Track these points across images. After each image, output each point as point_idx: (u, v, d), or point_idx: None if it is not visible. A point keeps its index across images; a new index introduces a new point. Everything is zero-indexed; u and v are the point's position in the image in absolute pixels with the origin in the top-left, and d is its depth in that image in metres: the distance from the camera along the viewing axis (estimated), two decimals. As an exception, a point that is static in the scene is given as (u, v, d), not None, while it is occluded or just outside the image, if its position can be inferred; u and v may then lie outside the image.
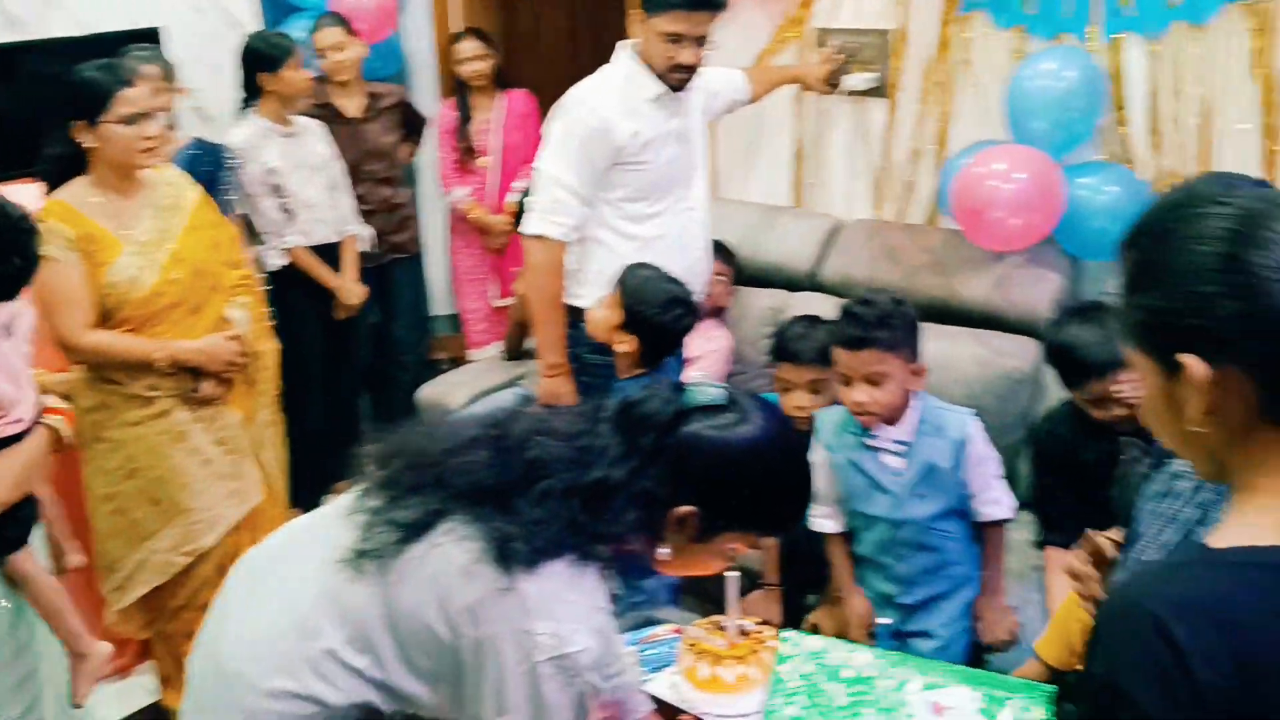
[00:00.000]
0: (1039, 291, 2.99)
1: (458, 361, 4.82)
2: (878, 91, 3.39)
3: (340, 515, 1.47)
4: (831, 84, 3.34)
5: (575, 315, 2.74)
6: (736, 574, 2.00)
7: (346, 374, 4.02)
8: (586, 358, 2.73)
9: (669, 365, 2.65)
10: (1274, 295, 0.88)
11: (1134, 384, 2.23)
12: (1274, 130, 2.74)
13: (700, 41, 2.59)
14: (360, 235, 3.89)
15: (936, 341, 3.03)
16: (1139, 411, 2.25)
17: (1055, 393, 2.84)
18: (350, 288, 3.80)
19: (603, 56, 5.13)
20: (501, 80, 4.33)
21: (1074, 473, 2.36)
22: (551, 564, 1.36)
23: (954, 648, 2.30)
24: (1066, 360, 2.29)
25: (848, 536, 2.39)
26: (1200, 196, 0.95)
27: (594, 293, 2.74)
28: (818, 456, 2.35)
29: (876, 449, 2.27)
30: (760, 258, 3.49)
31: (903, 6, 3.28)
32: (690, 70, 2.63)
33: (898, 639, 2.35)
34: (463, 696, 1.40)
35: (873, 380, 2.20)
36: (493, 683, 1.36)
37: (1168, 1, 2.83)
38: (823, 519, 2.39)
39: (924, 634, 2.32)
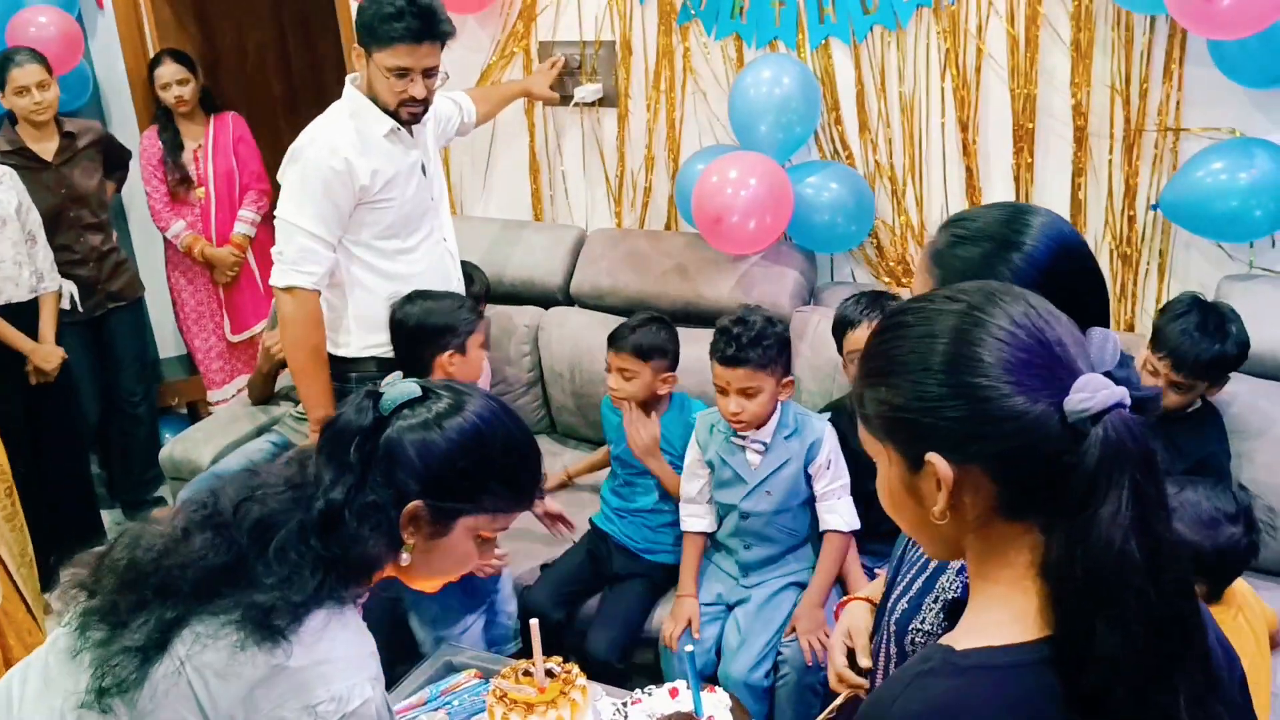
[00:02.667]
0: (780, 287, 3.15)
1: (194, 406, 4.54)
2: (607, 101, 3.44)
3: (64, 657, 1.35)
4: (562, 95, 3.37)
5: (341, 366, 2.64)
6: (536, 620, 2.01)
7: (64, 443, 3.67)
8: None
9: None
10: (996, 397, 0.88)
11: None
12: (967, 123, 3.00)
13: (429, 74, 2.53)
14: (60, 291, 3.56)
15: (689, 346, 3.16)
16: None
17: (809, 387, 3.02)
18: (45, 351, 3.47)
19: (317, 74, 4.94)
20: (208, 104, 4.09)
21: (847, 460, 2.57)
22: (310, 621, 1.31)
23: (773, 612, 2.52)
24: (837, 324, 2.63)
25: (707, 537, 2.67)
26: (938, 293, 0.98)
27: (356, 339, 2.65)
28: (691, 454, 2.62)
29: (742, 446, 2.52)
30: (510, 274, 3.48)
31: (622, 18, 3.33)
32: (422, 104, 2.57)
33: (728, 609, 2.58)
34: None
35: (746, 393, 2.42)
36: None
37: (865, 8, 3.03)
38: (691, 518, 2.64)
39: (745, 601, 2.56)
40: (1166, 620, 0.86)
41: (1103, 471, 0.86)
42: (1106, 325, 1.30)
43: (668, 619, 2.59)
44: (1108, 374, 1.27)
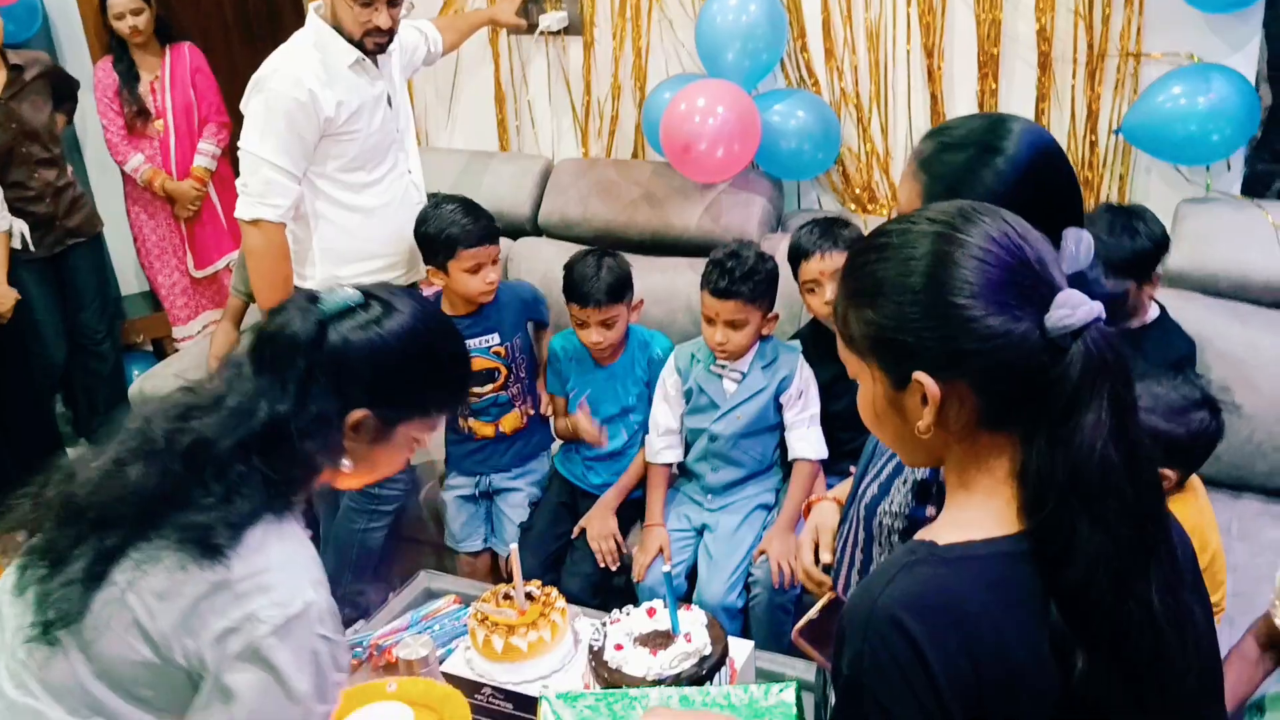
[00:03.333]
0: (748, 214, 3.17)
1: (159, 343, 4.51)
2: (572, 29, 3.41)
3: (10, 595, 1.37)
4: (528, 29, 3.34)
5: (306, 298, 2.63)
6: (515, 545, 2.05)
7: (23, 383, 3.64)
8: None
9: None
10: (980, 317, 0.92)
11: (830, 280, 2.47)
12: (932, 50, 3.01)
13: (393, 2, 2.50)
14: (11, 230, 3.50)
15: (660, 274, 3.18)
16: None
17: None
18: None
19: (272, 7, 4.82)
20: (164, 34, 4.00)
21: None
22: (249, 536, 1.31)
23: (743, 535, 2.59)
24: (791, 252, 2.60)
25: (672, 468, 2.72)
26: (919, 214, 1.00)
27: (322, 271, 2.64)
28: (670, 383, 2.65)
29: (720, 374, 2.59)
30: (478, 207, 3.46)
31: (586, -56, 3.30)
32: (387, 34, 2.54)
33: (698, 533, 2.65)
34: (195, 710, 1.33)
35: (733, 324, 2.48)
36: (216, 685, 1.30)
37: (830, -68, 3.01)
38: (664, 449, 2.68)
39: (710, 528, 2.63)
40: (1142, 516, 0.92)
41: (1085, 383, 0.91)
42: (1080, 226, 1.37)
43: (638, 550, 2.63)
44: (1080, 274, 1.34)
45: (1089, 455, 0.90)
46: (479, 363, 2.76)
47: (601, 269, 2.64)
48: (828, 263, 2.51)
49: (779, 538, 2.53)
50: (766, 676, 2.04)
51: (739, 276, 2.47)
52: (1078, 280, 1.39)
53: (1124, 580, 0.91)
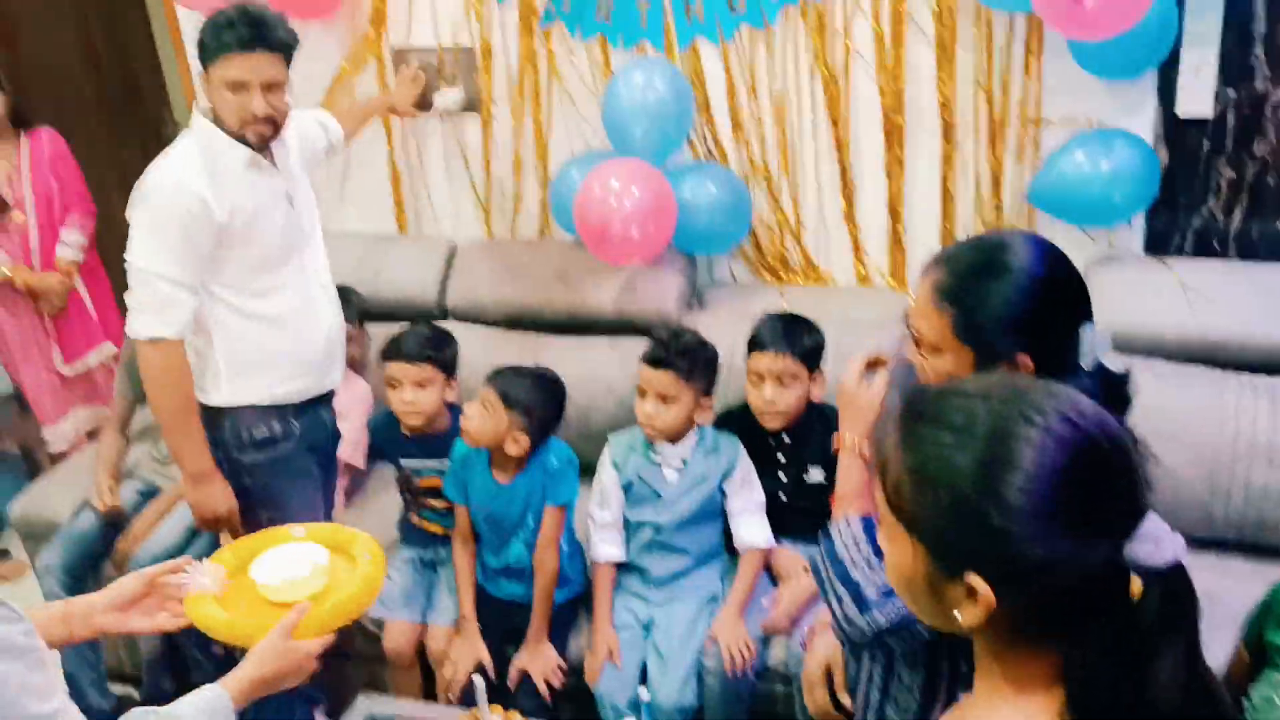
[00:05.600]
0: (664, 291, 3.12)
1: (27, 448, 4.19)
2: (469, 108, 3.31)
3: None
4: (422, 106, 3.24)
5: (213, 416, 2.45)
6: (481, 679, 1.94)
7: None
8: (243, 458, 2.46)
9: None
10: (1063, 538, 0.85)
11: (775, 390, 2.47)
12: (838, 119, 3.03)
13: (271, 89, 2.35)
14: None
15: (578, 356, 3.11)
16: (782, 415, 2.45)
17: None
18: None
19: (131, 83, 4.57)
20: (18, 119, 3.73)
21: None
22: None
23: (692, 630, 2.51)
24: (750, 339, 2.61)
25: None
26: (999, 392, 0.92)
27: (228, 386, 2.46)
28: (607, 477, 2.56)
29: (660, 464, 2.55)
30: (382, 293, 3.32)
31: (480, 22, 3.21)
32: (269, 122, 2.38)
33: (646, 629, 2.56)
34: None
35: (664, 399, 2.47)
36: None
37: (732, 7, 3.01)
38: (609, 546, 2.59)
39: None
40: None
41: (1163, 626, 0.85)
42: (1091, 319, 1.44)
43: (588, 653, 2.54)
44: (1100, 366, 1.35)
45: (1163, 704, 0.84)
46: (429, 481, 2.81)
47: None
48: (778, 364, 2.52)
49: (730, 624, 2.48)
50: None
51: (674, 350, 2.47)
52: (1097, 372, 1.40)
53: None
